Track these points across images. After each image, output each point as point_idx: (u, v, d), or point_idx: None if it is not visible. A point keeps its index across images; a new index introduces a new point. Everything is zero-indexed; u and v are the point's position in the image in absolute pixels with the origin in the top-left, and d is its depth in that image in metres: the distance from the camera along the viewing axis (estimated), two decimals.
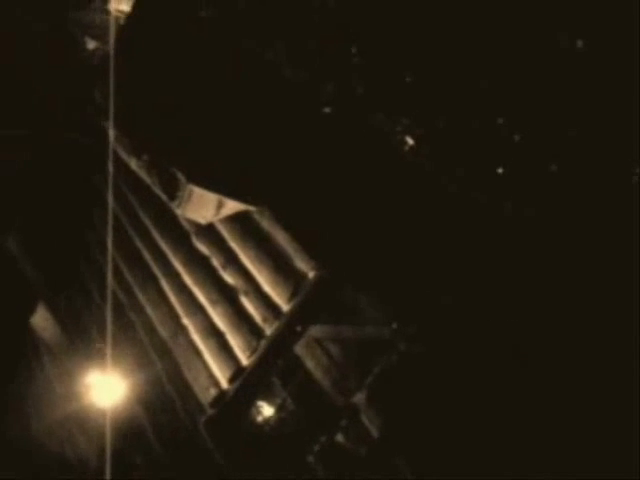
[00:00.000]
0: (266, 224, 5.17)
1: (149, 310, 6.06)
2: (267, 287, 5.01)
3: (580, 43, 3.01)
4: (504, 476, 3.53)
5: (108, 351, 6.10)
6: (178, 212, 5.08)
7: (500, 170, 3.27)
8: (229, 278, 5.33)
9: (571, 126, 2.98)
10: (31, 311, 6.82)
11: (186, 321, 5.63)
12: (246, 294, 5.16)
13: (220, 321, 5.33)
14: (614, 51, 3.22)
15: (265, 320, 4.96)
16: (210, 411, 5.15)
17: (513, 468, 3.50)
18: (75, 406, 6.06)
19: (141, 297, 6.18)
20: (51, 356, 6.70)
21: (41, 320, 6.80)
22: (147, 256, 6.21)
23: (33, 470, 5.71)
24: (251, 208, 5.15)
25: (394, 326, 4.02)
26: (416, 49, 3.64)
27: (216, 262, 5.47)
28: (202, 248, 5.63)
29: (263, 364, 5.04)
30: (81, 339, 6.57)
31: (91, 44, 7.35)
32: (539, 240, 3.54)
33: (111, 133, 5.32)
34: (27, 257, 7.11)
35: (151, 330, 5.98)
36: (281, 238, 5.04)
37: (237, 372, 5.06)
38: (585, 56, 3.19)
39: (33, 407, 6.41)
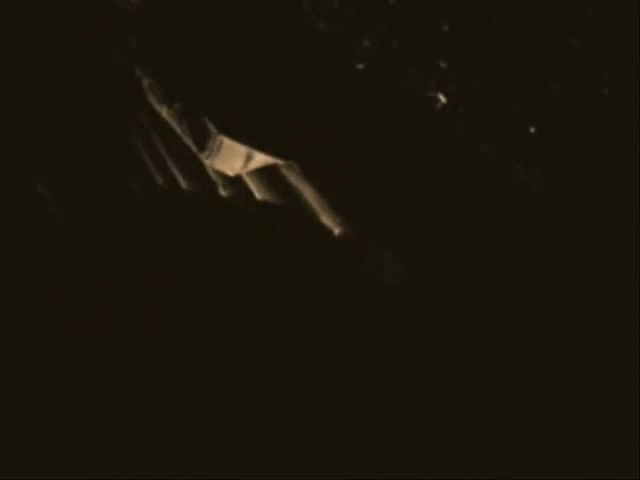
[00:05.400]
0: (293, 179, 5.18)
1: None
2: None
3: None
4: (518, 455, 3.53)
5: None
6: (207, 163, 5.11)
7: (532, 130, 3.24)
8: None
9: (605, 84, 2.93)
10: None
11: None
12: None
13: None
14: None
15: None
16: None
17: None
18: None
19: None
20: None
21: None
22: None
23: None
24: (280, 162, 5.16)
25: (416, 282, 4.04)
26: None
27: None
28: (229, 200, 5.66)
29: None
30: None
31: None
32: (563, 203, 3.52)
33: (144, 81, 5.34)
34: (57, 201, 7.20)
35: None
36: (308, 193, 5.05)
37: None
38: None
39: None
